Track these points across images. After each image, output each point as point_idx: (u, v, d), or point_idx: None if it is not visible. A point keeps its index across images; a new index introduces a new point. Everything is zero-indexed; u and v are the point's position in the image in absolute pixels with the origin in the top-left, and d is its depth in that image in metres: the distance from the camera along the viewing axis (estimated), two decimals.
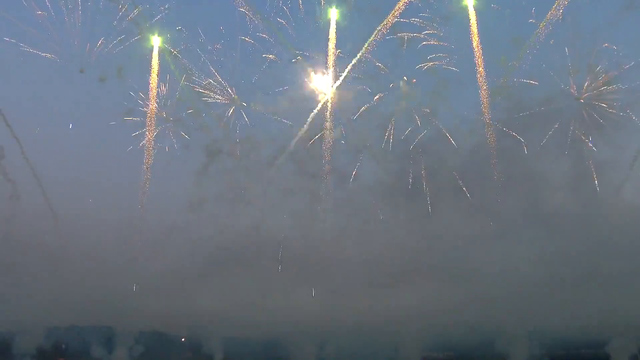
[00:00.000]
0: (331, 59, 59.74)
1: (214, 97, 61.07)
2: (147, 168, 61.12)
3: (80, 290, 59.97)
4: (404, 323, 58.90)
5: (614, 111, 56.86)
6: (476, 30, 57.87)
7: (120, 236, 61.54)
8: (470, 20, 58.01)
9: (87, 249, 60.82)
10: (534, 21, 56.46)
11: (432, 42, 57.91)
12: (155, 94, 60.90)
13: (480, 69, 58.10)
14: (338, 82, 60.29)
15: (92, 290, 59.85)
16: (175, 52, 60.41)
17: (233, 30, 59.67)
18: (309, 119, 61.27)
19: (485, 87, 58.43)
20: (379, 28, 57.57)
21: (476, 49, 57.90)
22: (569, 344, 58.60)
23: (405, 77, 59.43)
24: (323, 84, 60.64)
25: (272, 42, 59.81)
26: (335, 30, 59.47)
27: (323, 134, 61.29)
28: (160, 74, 60.80)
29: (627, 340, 54.96)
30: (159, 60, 60.66)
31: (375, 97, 60.27)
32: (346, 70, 59.53)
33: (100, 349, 61.97)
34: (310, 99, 61.10)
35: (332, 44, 59.51)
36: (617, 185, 57.81)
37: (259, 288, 61.04)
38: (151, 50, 60.61)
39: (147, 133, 61.10)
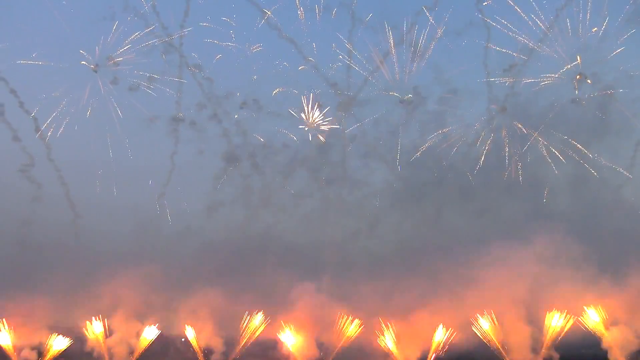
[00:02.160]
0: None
1: (233, 105, 64.68)
2: (172, 162, 62.99)
3: (81, 290, 59.47)
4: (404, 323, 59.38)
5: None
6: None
7: (136, 237, 63.61)
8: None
9: (103, 249, 62.36)
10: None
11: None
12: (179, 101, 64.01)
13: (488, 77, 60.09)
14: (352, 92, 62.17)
15: (93, 289, 59.42)
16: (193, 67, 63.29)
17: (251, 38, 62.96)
18: (322, 126, 63.48)
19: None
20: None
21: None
22: (569, 343, 59.83)
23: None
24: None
25: (289, 51, 62.91)
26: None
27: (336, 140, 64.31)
28: (183, 84, 63.79)
29: (626, 340, 56.41)
30: (182, 70, 63.57)
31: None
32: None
33: (100, 349, 60.93)
34: (322, 107, 62.85)
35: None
36: (618, 187, 59.75)
37: (262, 288, 61.31)
38: (175, 62, 63.25)
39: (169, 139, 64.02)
